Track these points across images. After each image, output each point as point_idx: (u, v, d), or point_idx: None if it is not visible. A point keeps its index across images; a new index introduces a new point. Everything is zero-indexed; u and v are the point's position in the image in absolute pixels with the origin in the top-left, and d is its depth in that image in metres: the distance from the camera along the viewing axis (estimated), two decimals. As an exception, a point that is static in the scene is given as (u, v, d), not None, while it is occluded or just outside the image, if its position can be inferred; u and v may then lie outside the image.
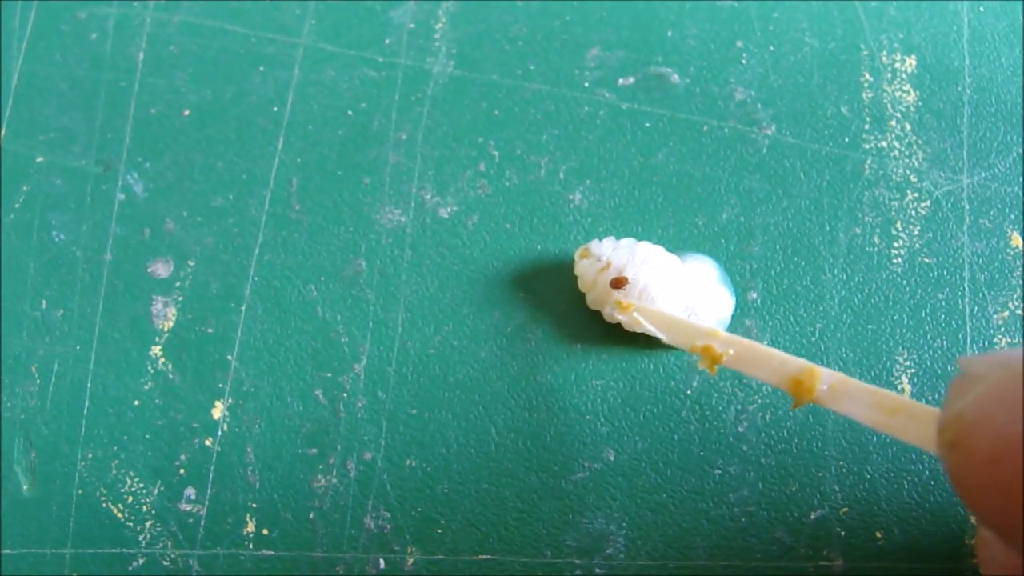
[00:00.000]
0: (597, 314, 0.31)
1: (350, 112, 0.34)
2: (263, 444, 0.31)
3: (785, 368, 0.23)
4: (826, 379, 0.23)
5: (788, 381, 0.23)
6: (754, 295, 0.31)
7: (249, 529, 0.30)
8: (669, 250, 0.31)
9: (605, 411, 0.31)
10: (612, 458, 0.30)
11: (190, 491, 0.31)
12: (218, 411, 0.32)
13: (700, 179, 0.33)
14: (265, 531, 0.30)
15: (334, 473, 0.31)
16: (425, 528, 0.30)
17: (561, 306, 0.32)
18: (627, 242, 0.30)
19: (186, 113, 0.34)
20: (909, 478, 0.30)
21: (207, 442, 0.31)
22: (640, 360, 0.31)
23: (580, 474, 0.30)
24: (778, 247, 0.32)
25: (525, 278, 0.32)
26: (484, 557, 0.30)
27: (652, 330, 0.26)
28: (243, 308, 0.32)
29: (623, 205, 0.33)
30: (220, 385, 0.32)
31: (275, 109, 0.34)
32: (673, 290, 0.29)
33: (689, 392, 0.31)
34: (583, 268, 0.30)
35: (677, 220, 0.32)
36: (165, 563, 0.30)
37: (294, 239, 0.33)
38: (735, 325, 0.31)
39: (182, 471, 0.31)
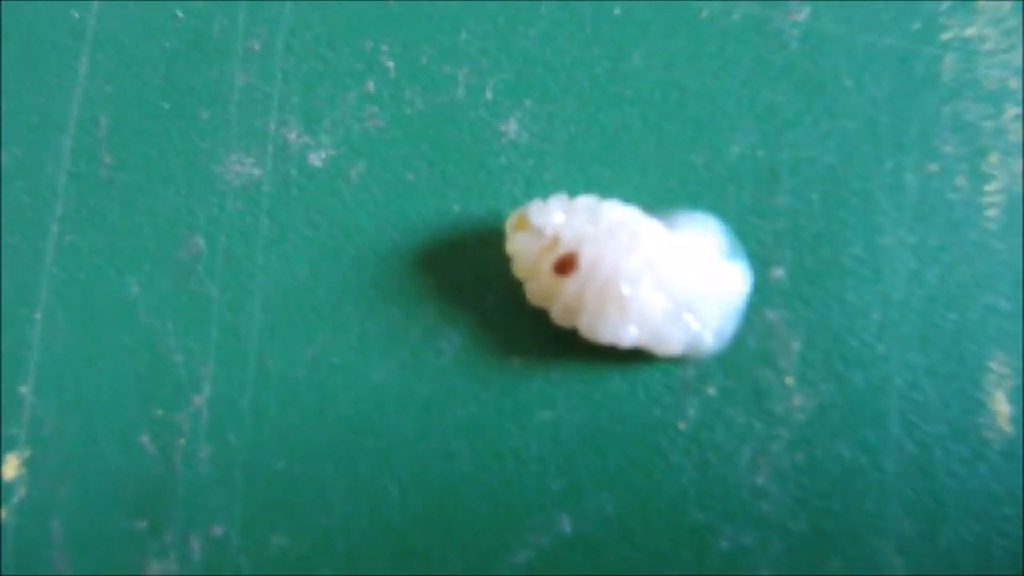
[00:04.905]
0: (543, 313, 0.21)
1: (180, 13, 0.24)
2: (73, 515, 0.22)
3: None
4: None
5: None
6: (779, 272, 0.21)
7: (58, 637, 0.21)
8: (650, 210, 0.21)
9: (558, 458, 0.21)
10: (568, 528, 0.21)
11: (-27, 586, 0.22)
12: (11, 468, 0.22)
13: (697, 94, 0.22)
14: (81, 640, 0.21)
15: (172, 556, 0.21)
16: (304, 632, 0.21)
17: (489, 301, 0.22)
18: (585, 202, 0.20)
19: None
20: (1002, 543, 0.20)
21: (-6, 515, 0.22)
22: (609, 380, 0.21)
23: (522, 554, 0.21)
24: (815, 197, 0.21)
25: (436, 259, 0.22)
26: (388, 675, 0.21)
27: None
28: (38, 315, 0.22)
29: (580, 139, 0.22)
30: (13, 430, 0.22)
31: (76, 15, 0.24)
32: (656, 276, 0.20)
33: (683, 426, 0.21)
34: (520, 245, 0.20)
35: (662, 160, 0.22)
36: None
37: (105, 208, 0.23)
38: (752, 317, 0.21)
39: (-39, 557, 0.22)
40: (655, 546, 0.21)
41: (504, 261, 0.21)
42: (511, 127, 0.22)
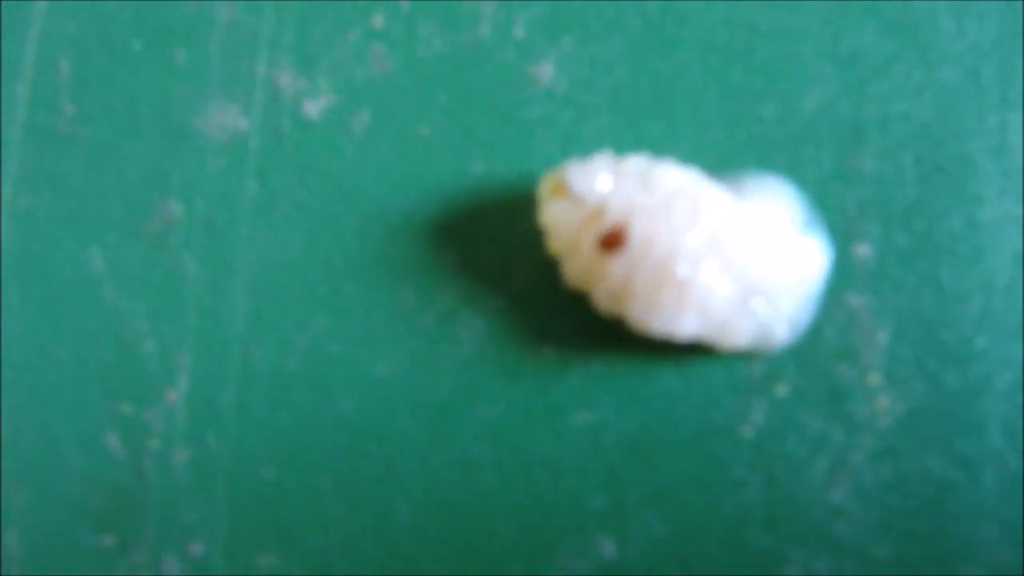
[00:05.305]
0: (583, 298, 0.19)
1: (153, -64, 0.21)
2: (31, 528, 0.20)
3: None
4: None
5: None
6: (864, 249, 0.19)
7: (14, 667, 0.20)
8: (713, 174, 0.19)
9: (599, 470, 0.20)
10: (610, 553, 0.19)
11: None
12: (-41, 471, 0.20)
13: (767, 34, 0.20)
14: (39, 671, 0.20)
15: (143, 577, 0.20)
16: (296, 668, 0.20)
17: (519, 281, 0.20)
18: (636, 163, 0.19)
19: None
20: None
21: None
22: (660, 377, 0.20)
23: (556, 582, 0.19)
24: (906, 160, 0.20)
25: (455, 230, 0.20)
26: None
27: None
28: (-12, 292, 0.21)
29: (629, 87, 0.20)
30: (-41, 426, 0.20)
31: (31, -62, 0.22)
32: (721, 255, 0.18)
33: (748, 432, 0.19)
34: (557, 215, 0.19)
35: (727, 113, 0.20)
36: None
37: (65, 168, 0.21)
38: (831, 304, 0.19)
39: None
40: (712, 574, 0.19)
41: (537, 234, 0.19)
42: (546, 72, 0.21)
